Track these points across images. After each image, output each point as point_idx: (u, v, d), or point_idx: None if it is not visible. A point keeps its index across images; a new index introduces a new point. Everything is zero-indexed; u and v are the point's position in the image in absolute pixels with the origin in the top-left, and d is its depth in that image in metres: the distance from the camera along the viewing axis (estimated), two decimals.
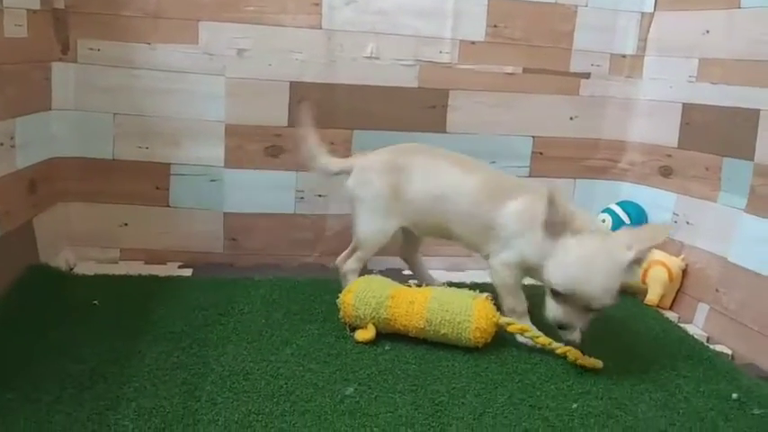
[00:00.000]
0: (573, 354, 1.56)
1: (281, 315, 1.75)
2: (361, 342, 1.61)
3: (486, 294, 1.65)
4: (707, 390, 1.49)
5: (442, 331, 1.59)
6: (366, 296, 1.63)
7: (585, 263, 1.40)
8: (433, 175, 1.75)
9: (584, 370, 1.54)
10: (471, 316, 1.58)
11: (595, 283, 1.39)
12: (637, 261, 1.42)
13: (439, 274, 2.12)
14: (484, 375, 1.49)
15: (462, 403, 1.37)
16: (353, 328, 1.66)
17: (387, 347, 1.60)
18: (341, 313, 1.68)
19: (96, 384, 1.33)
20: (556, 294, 1.44)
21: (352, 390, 1.39)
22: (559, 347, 1.58)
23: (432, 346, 1.61)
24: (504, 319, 1.63)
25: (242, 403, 1.31)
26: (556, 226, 1.44)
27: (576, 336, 1.56)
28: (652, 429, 1.31)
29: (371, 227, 1.79)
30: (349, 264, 1.82)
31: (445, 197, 1.72)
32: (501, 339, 1.64)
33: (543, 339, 1.59)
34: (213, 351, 1.52)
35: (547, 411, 1.36)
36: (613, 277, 1.40)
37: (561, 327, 1.48)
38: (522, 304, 1.65)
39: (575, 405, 1.38)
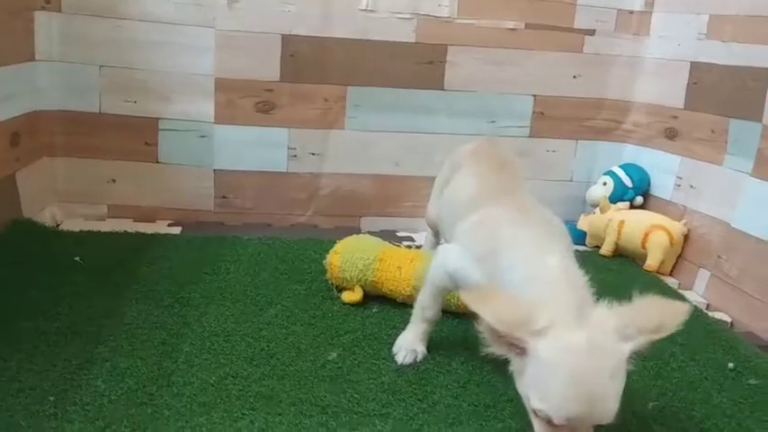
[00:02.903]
0: None
1: (267, 275, 1.70)
2: (348, 304, 1.57)
3: None
4: (702, 359, 1.44)
5: None
6: (353, 258, 1.59)
7: (581, 379, 0.94)
8: None
9: None
10: None
11: (603, 401, 0.94)
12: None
13: None
14: (472, 342, 1.43)
15: (448, 371, 1.33)
16: (341, 289, 1.62)
17: (374, 310, 1.56)
18: (327, 274, 1.63)
19: (71, 343, 1.29)
20: (549, 423, 0.97)
21: (335, 354, 1.35)
22: None
23: None
24: None
25: (220, 365, 1.27)
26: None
27: None
28: (643, 399, 1.27)
29: None
30: None
31: None
32: None
33: None
34: (195, 311, 1.48)
35: None
36: (619, 383, 0.96)
37: None
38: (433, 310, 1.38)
39: None
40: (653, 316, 0.99)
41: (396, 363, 1.34)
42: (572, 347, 0.94)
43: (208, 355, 1.31)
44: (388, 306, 1.58)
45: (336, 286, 1.63)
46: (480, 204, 1.31)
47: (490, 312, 0.97)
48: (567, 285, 1.05)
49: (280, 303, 1.55)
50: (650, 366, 1.39)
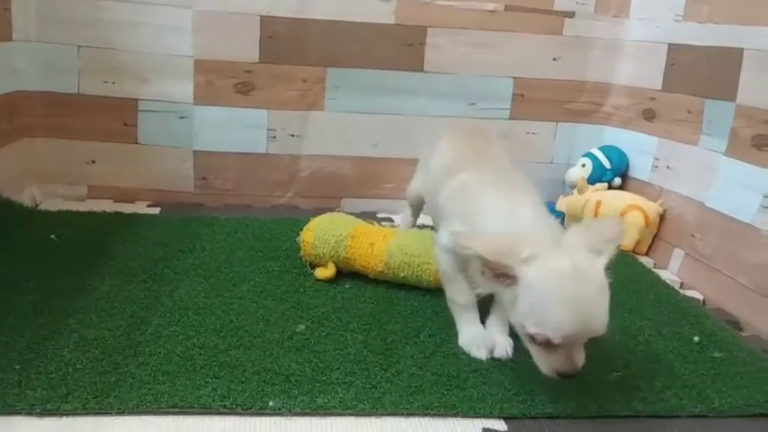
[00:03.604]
0: None
1: (243, 252, 1.71)
2: (321, 280, 1.58)
3: None
4: (669, 333, 1.45)
5: (402, 274, 1.55)
6: (326, 234, 1.60)
7: (573, 299, 1.03)
8: None
9: None
10: (431, 257, 1.54)
11: (595, 315, 1.05)
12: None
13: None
14: (442, 315, 1.45)
15: (415, 342, 1.33)
16: (314, 266, 1.62)
17: (347, 286, 1.57)
18: (301, 252, 1.64)
19: (40, 315, 1.30)
20: (547, 345, 1.07)
21: (303, 327, 1.36)
22: None
23: (393, 286, 1.58)
24: None
25: (187, 337, 1.28)
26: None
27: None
28: (606, 371, 1.28)
29: None
30: None
31: None
32: None
33: None
34: (167, 286, 1.49)
35: None
36: (606, 296, 1.06)
37: (568, 375, 1.09)
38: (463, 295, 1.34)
39: None
40: (607, 230, 1.13)
41: (361, 336, 1.35)
42: (559, 272, 1.04)
43: (176, 327, 1.31)
44: (361, 282, 1.59)
45: (310, 263, 1.64)
46: (456, 169, 1.39)
47: (481, 245, 1.07)
48: (542, 225, 1.17)
49: (253, 280, 1.56)
50: (615, 341, 1.39)
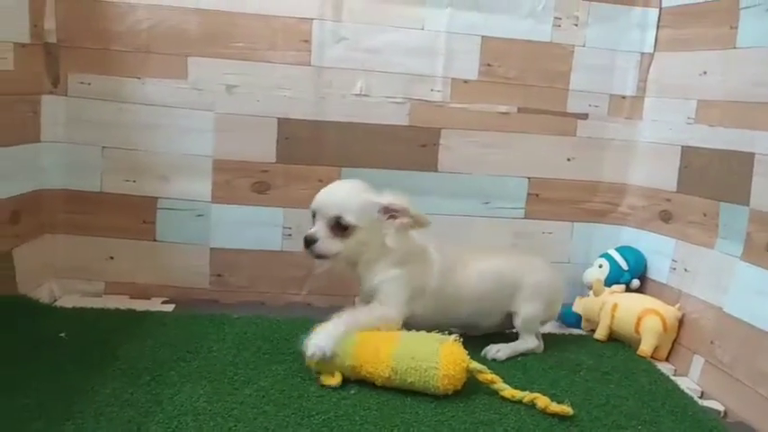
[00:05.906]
0: (541, 401, 1.48)
1: (250, 354, 1.70)
2: (326, 386, 1.55)
3: (453, 336, 1.58)
4: None
5: (409, 380, 1.52)
6: None
7: (334, 185, 1.73)
8: None
9: (557, 420, 1.46)
10: (439, 362, 1.51)
11: (335, 195, 1.68)
12: (388, 211, 1.69)
13: None
14: (447, 425, 1.42)
15: None
16: (320, 372, 1.60)
17: (352, 392, 1.54)
18: (307, 360, 1.61)
19: (37, 420, 1.29)
20: (312, 218, 1.69)
21: None
22: (526, 395, 1.50)
23: (400, 392, 1.54)
24: (474, 365, 1.56)
25: None
26: None
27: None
28: None
29: None
30: None
31: None
32: (474, 386, 1.56)
33: (509, 392, 1.52)
34: (170, 389, 1.47)
35: None
36: (354, 197, 1.68)
37: (308, 241, 1.66)
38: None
39: None
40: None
41: None
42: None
43: None
44: (367, 388, 1.55)
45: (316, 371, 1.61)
46: None
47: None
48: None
49: (257, 383, 1.54)
50: None
